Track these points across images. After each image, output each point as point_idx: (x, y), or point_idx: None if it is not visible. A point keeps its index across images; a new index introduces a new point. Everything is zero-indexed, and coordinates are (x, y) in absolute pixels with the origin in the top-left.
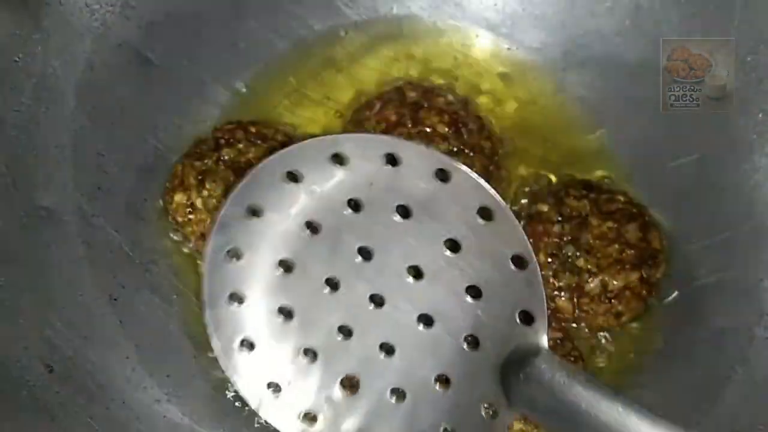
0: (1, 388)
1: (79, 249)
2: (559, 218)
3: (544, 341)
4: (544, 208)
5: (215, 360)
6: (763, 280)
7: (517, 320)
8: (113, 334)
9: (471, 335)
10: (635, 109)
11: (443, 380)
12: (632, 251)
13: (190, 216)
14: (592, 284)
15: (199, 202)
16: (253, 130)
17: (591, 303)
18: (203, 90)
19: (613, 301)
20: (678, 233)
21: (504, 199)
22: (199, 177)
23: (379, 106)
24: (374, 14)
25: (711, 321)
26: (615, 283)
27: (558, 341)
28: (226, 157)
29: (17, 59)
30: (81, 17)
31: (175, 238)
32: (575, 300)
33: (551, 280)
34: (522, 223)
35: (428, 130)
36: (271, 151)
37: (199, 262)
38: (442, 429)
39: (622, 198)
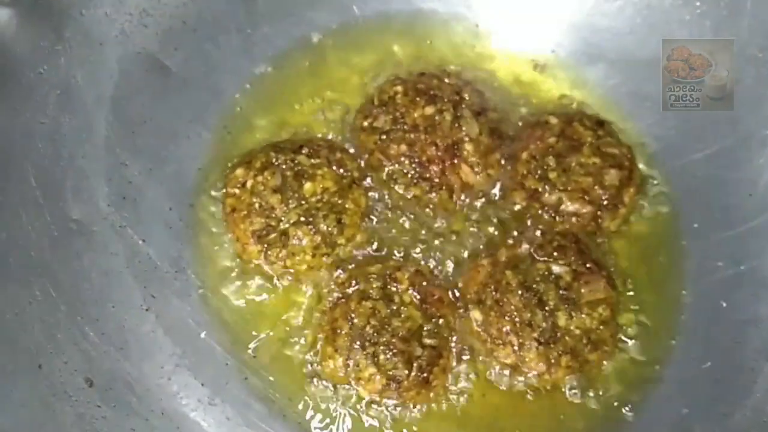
0: (46, 403)
1: (109, 260)
2: (559, 135)
3: None
4: (553, 120)
5: (247, 365)
6: None
7: None
8: (147, 345)
9: None
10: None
11: None
12: (601, 191)
13: (236, 190)
14: (549, 197)
15: (249, 184)
16: (338, 155)
17: (540, 210)
18: (221, 96)
19: (557, 218)
20: (694, 229)
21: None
22: (264, 165)
23: None
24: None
25: (731, 313)
26: (568, 206)
27: None
28: (297, 161)
29: (42, 71)
30: (101, 27)
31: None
32: (527, 203)
33: (521, 177)
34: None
35: None
36: (338, 182)
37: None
38: None
39: (624, 150)
